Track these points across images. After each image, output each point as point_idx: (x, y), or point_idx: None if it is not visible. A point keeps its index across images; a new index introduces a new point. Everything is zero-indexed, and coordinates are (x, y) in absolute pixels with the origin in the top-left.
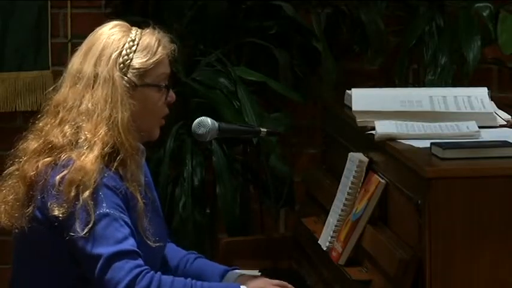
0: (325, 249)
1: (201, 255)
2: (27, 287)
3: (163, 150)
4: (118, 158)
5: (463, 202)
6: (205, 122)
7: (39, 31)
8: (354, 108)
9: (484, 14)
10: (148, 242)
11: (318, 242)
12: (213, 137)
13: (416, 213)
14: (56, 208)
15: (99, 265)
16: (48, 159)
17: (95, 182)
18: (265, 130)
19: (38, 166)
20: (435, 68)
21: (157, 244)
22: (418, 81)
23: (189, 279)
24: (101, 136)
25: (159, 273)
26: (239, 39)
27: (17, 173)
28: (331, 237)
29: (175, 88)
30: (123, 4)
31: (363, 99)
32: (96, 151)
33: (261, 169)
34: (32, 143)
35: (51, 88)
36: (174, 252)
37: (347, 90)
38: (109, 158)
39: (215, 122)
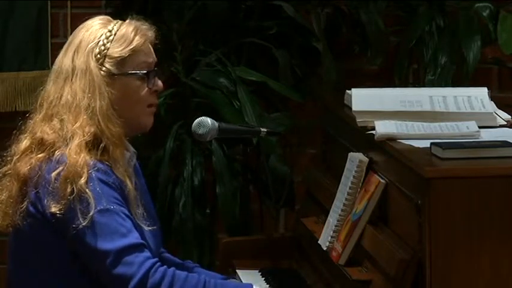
0: (325, 249)
1: (197, 265)
2: (25, 286)
3: (163, 150)
4: (100, 146)
5: (463, 202)
6: (205, 122)
7: (39, 31)
8: (354, 108)
9: (484, 14)
10: (143, 226)
11: (318, 242)
12: (213, 137)
13: (416, 213)
14: (53, 205)
15: (108, 261)
16: (41, 155)
17: (85, 169)
18: (265, 130)
19: (31, 162)
20: (435, 68)
21: (151, 228)
22: (418, 81)
23: (203, 276)
24: (81, 125)
25: (173, 268)
26: (239, 39)
27: (9, 172)
28: (331, 237)
29: (175, 88)
30: (123, 4)
31: (363, 99)
32: (77, 140)
33: (261, 169)
34: (22, 142)
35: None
36: (170, 262)
37: (347, 90)
38: (93, 148)
39: (215, 122)
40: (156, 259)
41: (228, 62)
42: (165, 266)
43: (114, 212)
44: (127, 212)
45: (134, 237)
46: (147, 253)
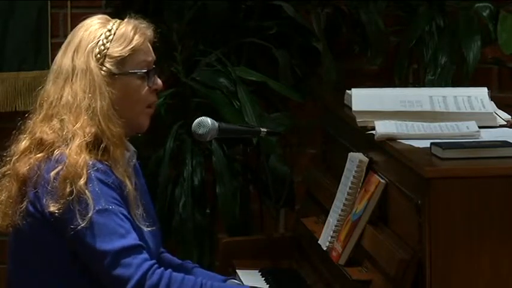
0: (325, 249)
1: (197, 265)
2: (25, 286)
3: (163, 150)
4: (101, 146)
5: (463, 202)
6: (205, 122)
7: (39, 31)
8: (354, 108)
9: (484, 14)
10: (142, 226)
11: (318, 242)
12: (213, 137)
13: (416, 213)
14: (52, 204)
15: (106, 262)
16: (40, 154)
17: (85, 170)
18: (265, 130)
19: (30, 162)
20: (435, 68)
21: (151, 228)
22: (418, 81)
23: (199, 278)
24: (81, 126)
25: (169, 270)
26: (239, 39)
27: (8, 172)
28: (331, 237)
29: (175, 88)
30: (123, 4)
31: (363, 99)
32: (77, 141)
33: (261, 169)
34: (22, 142)
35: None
36: (169, 261)
37: (347, 90)
38: (94, 148)
39: (215, 122)
40: (153, 261)
41: (228, 62)
42: (162, 268)
43: (113, 213)
44: (126, 213)
45: (132, 238)
46: (145, 255)
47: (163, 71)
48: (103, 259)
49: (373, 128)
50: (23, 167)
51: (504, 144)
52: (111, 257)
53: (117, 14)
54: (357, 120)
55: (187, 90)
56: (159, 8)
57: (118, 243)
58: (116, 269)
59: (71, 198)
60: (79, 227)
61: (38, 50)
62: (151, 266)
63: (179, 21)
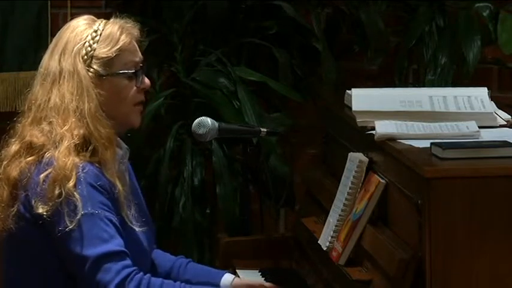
0: (325, 249)
1: (191, 260)
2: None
3: (163, 150)
4: (89, 148)
5: (463, 202)
6: (205, 122)
7: (39, 31)
8: (354, 108)
9: (484, 14)
10: (134, 227)
11: (318, 242)
12: (213, 137)
13: (417, 213)
14: (41, 206)
15: (87, 267)
16: (31, 158)
17: (74, 172)
18: (265, 130)
19: (21, 166)
20: (435, 68)
21: (143, 229)
22: (418, 81)
23: (178, 282)
24: (70, 128)
25: (148, 275)
26: (239, 39)
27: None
28: (331, 237)
29: (175, 88)
30: (123, 4)
31: (363, 99)
32: (66, 143)
33: (261, 169)
34: (12, 146)
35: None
36: (163, 258)
37: (347, 90)
38: (83, 150)
39: (215, 122)
40: (133, 268)
41: (228, 62)
42: (141, 273)
43: (98, 218)
44: (112, 218)
45: (115, 244)
46: (126, 261)
47: (163, 70)
48: (85, 263)
49: (373, 128)
50: (13, 171)
51: (504, 144)
52: (91, 262)
53: (117, 14)
54: (357, 120)
55: (187, 90)
56: (159, 8)
57: (100, 249)
58: (96, 274)
59: (59, 200)
60: (66, 229)
61: (38, 50)
62: (130, 272)
63: (179, 21)
